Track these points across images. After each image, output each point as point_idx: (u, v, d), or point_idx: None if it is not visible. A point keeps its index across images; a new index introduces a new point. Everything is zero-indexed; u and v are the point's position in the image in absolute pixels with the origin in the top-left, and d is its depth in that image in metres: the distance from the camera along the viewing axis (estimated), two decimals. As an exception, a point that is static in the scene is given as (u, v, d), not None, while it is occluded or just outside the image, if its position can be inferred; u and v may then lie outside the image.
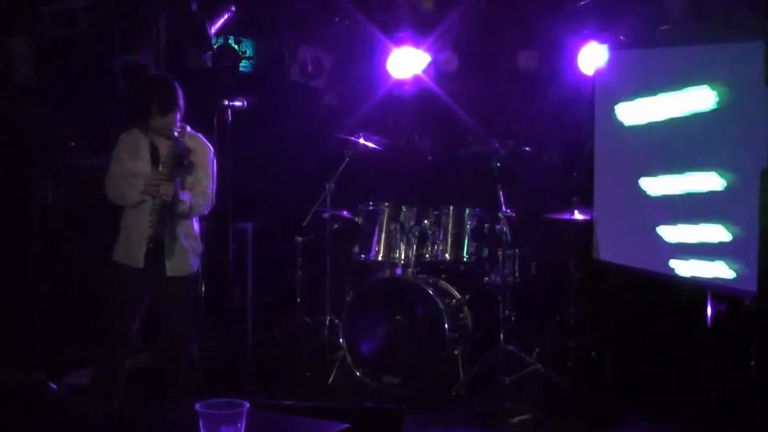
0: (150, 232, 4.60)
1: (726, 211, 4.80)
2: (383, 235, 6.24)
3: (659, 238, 5.32)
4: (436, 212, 6.23)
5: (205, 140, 4.81)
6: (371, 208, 6.34)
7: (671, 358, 5.66)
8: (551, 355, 6.08)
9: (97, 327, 4.93)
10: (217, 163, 4.85)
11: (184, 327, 4.78)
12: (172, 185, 4.58)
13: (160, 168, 4.63)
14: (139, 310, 4.75)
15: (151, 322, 4.90)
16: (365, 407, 3.12)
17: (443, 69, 7.07)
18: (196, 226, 4.83)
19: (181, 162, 4.62)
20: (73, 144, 6.54)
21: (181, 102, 4.66)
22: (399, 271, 6.17)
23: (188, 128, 4.71)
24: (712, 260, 4.91)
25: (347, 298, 6.20)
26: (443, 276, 6.34)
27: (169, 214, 4.63)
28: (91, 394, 4.78)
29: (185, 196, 4.64)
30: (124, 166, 4.70)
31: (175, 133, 4.61)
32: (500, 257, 6.02)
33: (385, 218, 6.26)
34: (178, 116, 4.65)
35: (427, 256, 6.18)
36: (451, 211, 6.21)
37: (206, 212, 4.83)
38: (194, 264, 4.80)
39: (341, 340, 6.00)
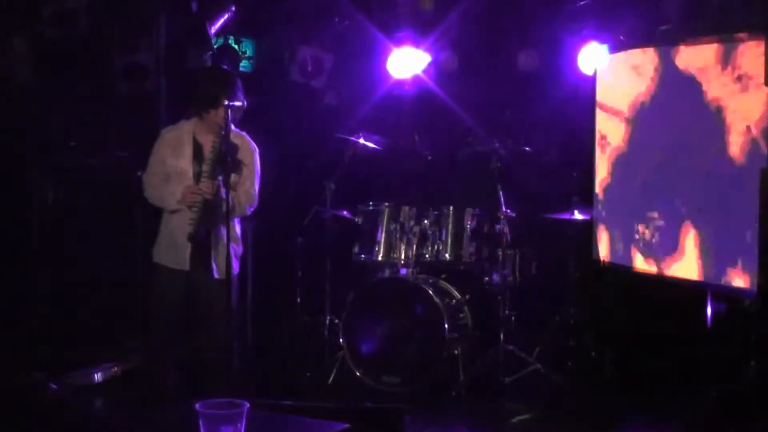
0: (189, 230, 4.50)
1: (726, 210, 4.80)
2: (383, 235, 6.24)
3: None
4: (436, 212, 6.23)
5: (250, 140, 4.76)
6: (371, 208, 6.34)
7: (671, 358, 5.66)
8: (551, 355, 6.09)
9: (137, 329, 4.94)
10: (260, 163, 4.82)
11: (221, 331, 4.68)
12: (214, 183, 4.50)
13: (203, 165, 4.56)
14: (184, 313, 4.72)
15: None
16: (365, 407, 3.12)
17: (443, 69, 7.07)
18: (238, 228, 4.76)
19: (226, 159, 4.50)
20: (73, 144, 6.54)
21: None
22: (399, 271, 6.17)
23: (233, 127, 4.60)
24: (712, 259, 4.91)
25: (347, 298, 6.20)
26: (443, 276, 6.34)
27: (211, 213, 4.55)
28: (143, 378, 4.82)
29: (229, 195, 4.57)
30: (166, 163, 4.63)
31: (222, 132, 4.52)
32: (500, 257, 6.03)
33: (385, 218, 6.26)
34: (234, 115, 4.59)
35: (427, 256, 6.18)
36: (451, 211, 6.21)
37: (249, 212, 4.76)
38: (236, 267, 4.72)
39: (341, 340, 6.00)
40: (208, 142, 4.63)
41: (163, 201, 4.65)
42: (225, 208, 4.55)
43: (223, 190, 4.52)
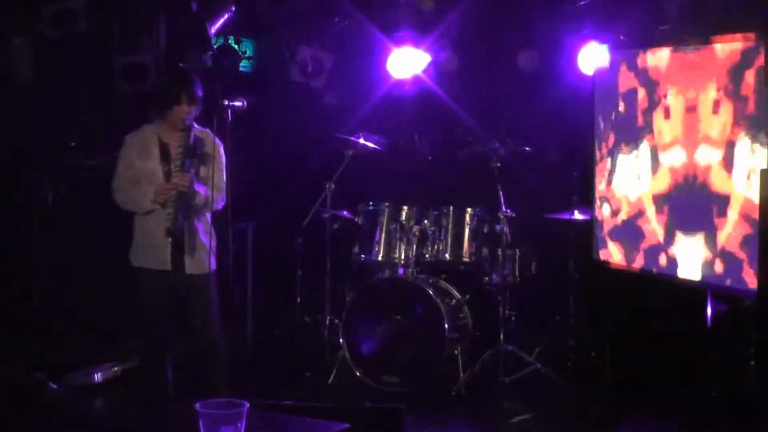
0: (168, 224, 4.52)
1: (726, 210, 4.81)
2: (383, 235, 6.24)
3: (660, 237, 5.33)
4: (436, 212, 6.23)
5: (214, 135, 4.79)
6: (371, 208, 6.34)
7: (671, 358, 5.66)
8: (551, 355, 6.09)
9: (131, 333, 4.95)
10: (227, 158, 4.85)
11: (208, 328, 4.73)
12: (188, 175, 4.54)
13: (172, 164, 4.60)
14: (173, 312, 4.73)
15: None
16: (365, 407, 3.13)
17: (443, 69, 7.06)
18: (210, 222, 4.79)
19: (195, 152, 4.59)
20: (73, 144, 6.54)
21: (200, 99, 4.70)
22: (399, 271, 6.17)
23: (195, 125, 4.73)
24: (712, 260, 4.91)
25: (347, 298, 6.20)
26: (443, 276, 6.34)
27: (186, 206, 4.57)
28: (142, 381, 4.83)
29: (201, 188, 4.61)
30: (134, 167, 4.67)
31: (187, 123, 4.62)
32: (500, 257, 6.02)
33: (385, 218, 6.26)
34: (195, 112, 4.67)
35: (427, 256, 6.18)
36: (451, 211, 6.21)
37: (220, 206, 4.76)
38: (212, 262, 4.76)
39: (341, 340, 6.00)
40: (173, 141, 4.68)
41: (137, 202, 4.67)
42: (199, 200, 4.59)
43: (196, 183, 4.57)
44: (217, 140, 4.80)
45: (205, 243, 4.71)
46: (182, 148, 4.60)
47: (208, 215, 4.75)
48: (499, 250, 6.04)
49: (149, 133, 4.74)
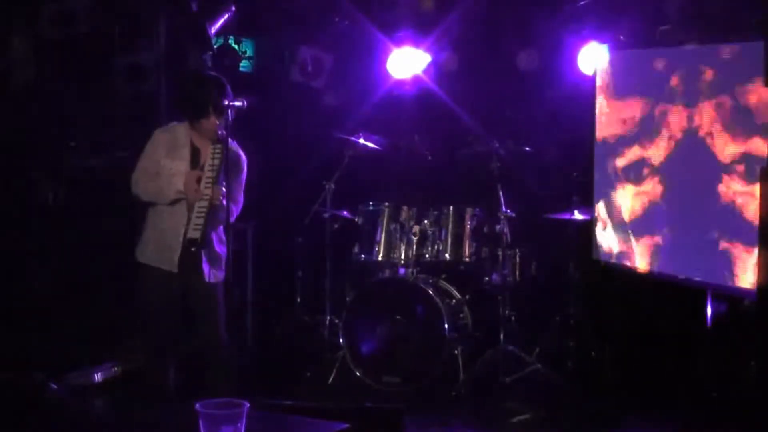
0: (194, 235, 4.44)
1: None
2: (383, 235, 6.24)
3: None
4: (436, 212, 6.23)
5: (238, 147, 4.74)
6: (371, 208, 6.34)
7: (671, 358, 5.66)
8: (551, 355, 6.09)
9: (130, 331, 4.94)
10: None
11: (218, 333, 4.69)
12: (221, 189, 4.47)
13: (206, 170, 4.51)
14: (177, 314, 4.68)
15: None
16: (365, 407, 3.13)
17: (443, 69, 7.07)
18: (222, 233, 4.76)
19: (228, 165, 4.49)
20: (73, 144, 6.54)
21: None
22: (399, 271, 6.17)
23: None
24: (712, 260, 4.91)
25: (347, 298, 6.20)
26: (443, 276, 6.34)
27: (215, 218, 4.53)
28: (142, 381, 4.81)
29: (225, 201, 4.54)
30: (160, 163, 4.56)
31: (222, 133, 4.49)
32: (500, 257, 6.03)
33: (385, 218, 6.25)
34: (225, 119, 4.55)
35: (427, 256, 6.18)
36: (451, 211, 6.21)
37: (233, 219, 4.67)
38: (224, 270, 4.71)
39: (341, 340, 6.01)
40: (204, 147, 4.60)
41: (161, 192, 4.55)
42: (224, 213, 4.54)
43: (224, 199, 4.51)
44: (241, 152, 4.74)
45: (219, 252, 4.66)
46: (218, 161, 4.47)
47: (221, 226, 4.72)
48: (499, 250, 6.04)
49: (181, 133, 4.64)
